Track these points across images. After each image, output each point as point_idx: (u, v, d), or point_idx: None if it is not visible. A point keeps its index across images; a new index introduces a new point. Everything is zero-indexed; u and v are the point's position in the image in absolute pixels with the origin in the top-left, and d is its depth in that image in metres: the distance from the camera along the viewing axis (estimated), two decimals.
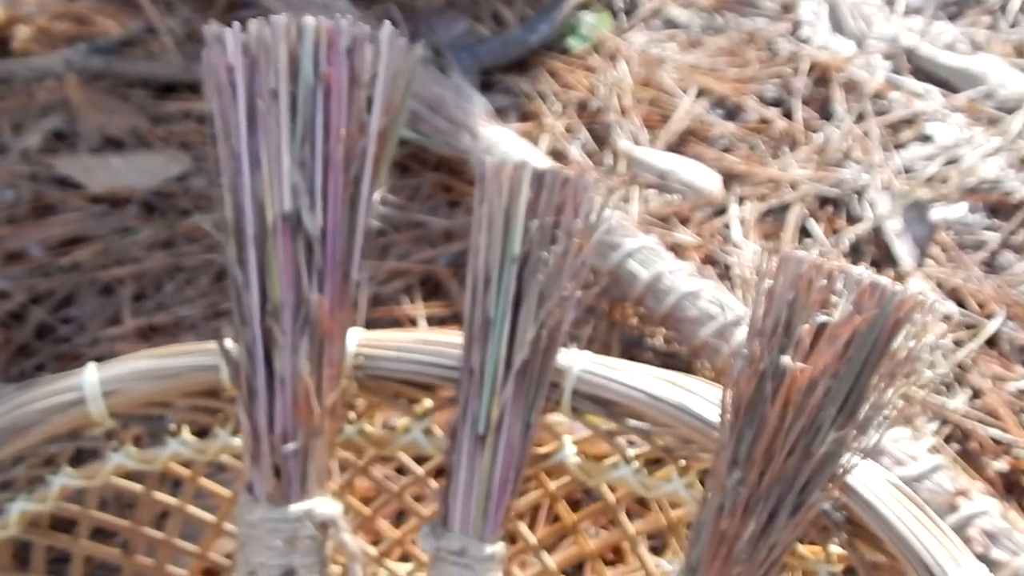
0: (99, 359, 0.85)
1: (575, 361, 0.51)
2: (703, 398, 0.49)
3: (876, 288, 0.41)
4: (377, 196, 0.51)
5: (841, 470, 0.43)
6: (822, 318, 0.41)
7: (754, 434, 0.43)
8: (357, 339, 0.53)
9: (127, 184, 1.01)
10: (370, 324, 0.87)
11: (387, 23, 0.49)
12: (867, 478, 0.45)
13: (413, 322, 0.87)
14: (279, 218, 0.48)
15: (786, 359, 0.41)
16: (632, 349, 0.83)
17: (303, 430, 0.49)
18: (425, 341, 0.53)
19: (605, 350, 0.83)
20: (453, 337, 0.53)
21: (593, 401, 0.51)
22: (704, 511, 0.44)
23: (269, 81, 0.48)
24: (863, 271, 0.42)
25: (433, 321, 0.88)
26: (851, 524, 0.46)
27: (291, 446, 0.49)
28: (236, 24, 0.48)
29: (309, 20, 0.48)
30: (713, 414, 0.49)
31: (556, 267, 0.48)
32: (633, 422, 0.51)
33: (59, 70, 1.12)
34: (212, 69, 0.49)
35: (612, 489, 0.56)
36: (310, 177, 0.48)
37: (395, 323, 0.88)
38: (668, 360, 0.83)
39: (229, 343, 0.51)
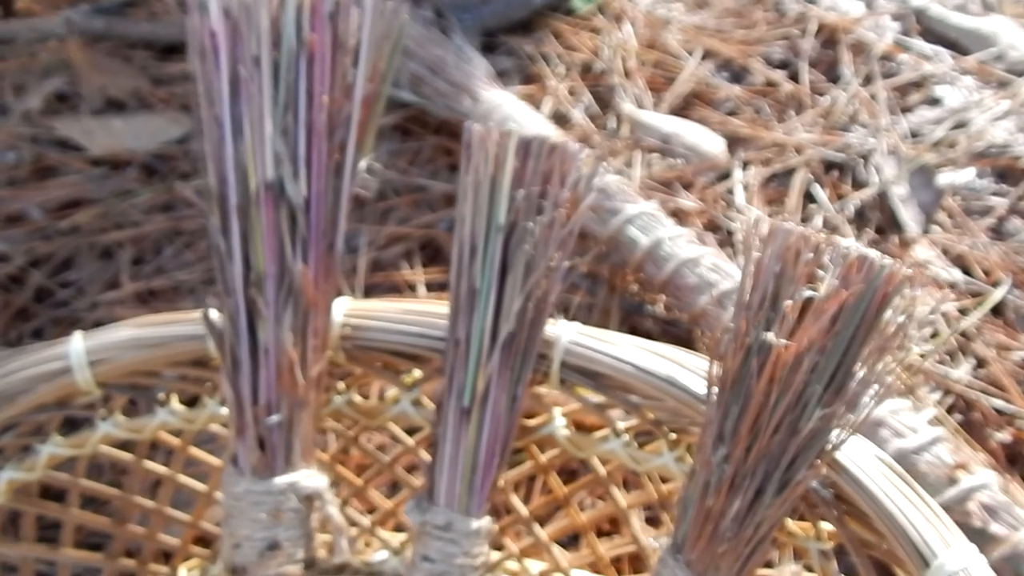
0: (97, 324, 0.85)
1: (563, 332, 0.50)
2: (692, 371, 0.49)
3: (864, 261, 0.40)
4: (364, 163, 0.50)
5: (829, 446, 0.42)
6: (808, 293, 0.40)
7: (740, 409, 0.42)
8: (344, 309, 0.52)
9: (127, 146, 1.00)
10: (369, 289, 0.87)
11: None
12: (856, 454, 0.44)
13: (412, 288, 0.87)
14: (262, 186, 0.47)
15: (770, 335, 0.40)
16: (632, 316, 0.83)
17: (287, 402, 0.48)
18: (412, 311, 0.52)
19: (605, 316, 0.82)
20: (440, 307, 0.52)
21: (581, 373, 0.50)
22: (690, 487, 0.44)
23: (251, 47, 0.47)
24: (851, 243, 0.41)
25: (433, 287, 0.87)
26: (840, 501, 0.45)
27: (275, 418, 0.48)
28: None
29: None
30: (703, 388, 0.48)
31: (543, 237, 0.47)
32: (622, 395, 0.50)
33: (61, 31, 1.12)
34: (195, 34, 0.48)
35: (603, 462, 0.56)
36: (293, 145, 0.48)
37: (394, 288, 0.87)
38: (668, 327, 0.82)
39: (214, 313, 0.50)
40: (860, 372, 0.41)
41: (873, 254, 0.40)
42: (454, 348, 0.48)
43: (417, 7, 1.06)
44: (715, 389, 0.43)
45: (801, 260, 0.41)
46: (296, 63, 0.47)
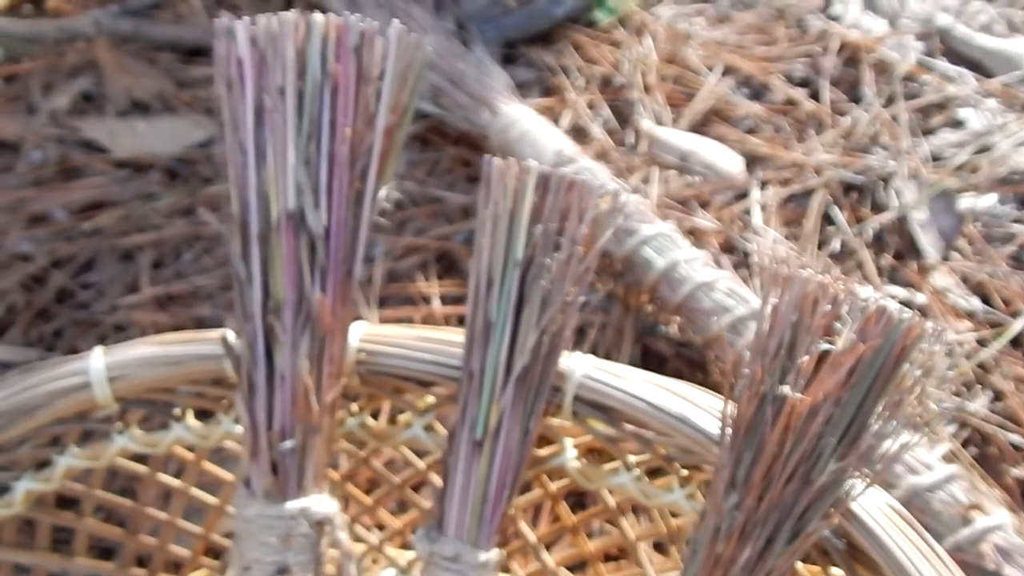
0: (116, 327, 0.86)
1: (577, 366, 0.50)
2: (705, 410, 0.49)
3: (882, 314, 0.40)
4: (383, 193, 0.50)
5: (843, 496, 0.42)
6: (824, 346, 0.40)
7: (753, 457, 0.42)
8: (360, 334, 0.53)
9: (151, 149, 1.01)
10: (384, 300, 0.88)
11: (396, 21, 0.48)
12: (869, 503, 0.44)
13: (427, 300, 0.87)
14: (283, 215, 0.48)
15: (786, 389, 0.40)
16: (646, 337, 0.83)
17: (301, 427, 0.49)
18: (428, 339, 0.53)
19: (619, 336, 0.82)
20: (456, 335, 0.52)
21: (594, 407, 0.51)
22: (700, 531, 0.44)
23: (276, 77, 0.47)
24: (870, 294, 0.41)
25: (447, 299, 0.87)
26: (851, 548, 0.45)
27: (289, 444, 0.48)
28: (247, 17, 0.48)
29: (318, 17, 0.47)
30: (715, 427, 0.48)
31: (559, 273, 0.47)
32: (633, 429, 0.51)
33: (89, 31, 1.12)
34: (222, 61, 0.48)
35: (613, 493, 0.56)
36: (315, 175, 0.48)
37: (409, 300, 0.87)
38: (683, 349, 0.82)
39: (232, 336, 0.51)
40: (875, 425, 0.41)
41: (892, 307, 0.41)
42: (468, 380, 0.49)
43: (439, 19, 1.06)
44: (728, 432, 0.44)
45: (819, 311, 0.41)
46: (320, 94, 0.47)
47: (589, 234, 0.48)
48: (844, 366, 0.40)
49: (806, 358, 0.40)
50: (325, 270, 0.49)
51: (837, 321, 0.41)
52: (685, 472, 0.52)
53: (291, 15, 0.47)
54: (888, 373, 0.41)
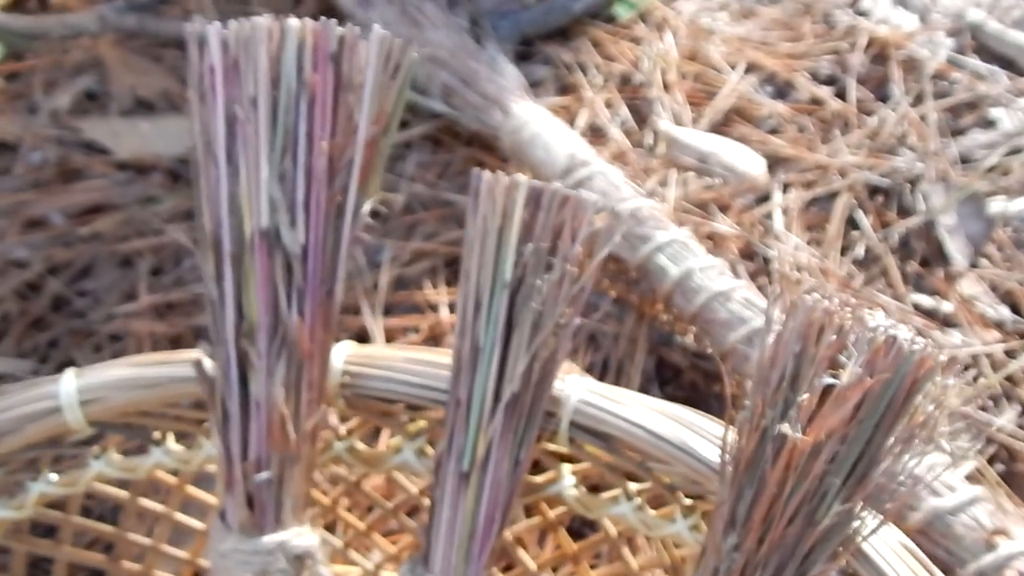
0: (113, 337, 0.84)
1: (573, 391, 0.47)
2: (708, 438, 0.46)
3: (892, 345, 0.37)
4: (367, 207, 0.47)
5: (852, 534, 0.39)
6: (828, 381, 0.37)
7: (753, 495, 0.39)
8: (345, 355, 0.50)
9: (153, 151, 0.98)
10: (389, 308, 0.85)
11: (376, 26, 0.45)
12: (880, 543, 0.41)
13: (435, 308, 0.84)
14: (256, 234, 0.45)
15: (786, 427, 0.37)
16: (661, 347, 0.80)
17: (278, 458, 0.46)
18: (417, 361, 0.50)
19: (632, 346, 0.79)
20: (446, 358, 0.49)
21: (591, 434, 0.48)
22: (700, 571, 0.41)
23: (248, 87, 0.44)
24: (880, 322, 0.38)
25: (455, 308, 0.84)
26: None
27: (264, 475, 0.46)
28: (217, 23, 0.45)
29: (292, 21, 0.44)
30: (717, 457, 0.45)
31: (551, 295, 0.44)
32: (634, 456, 0.48)
33: (94, 28, 1.10)
34: (194, 68, 0.46)
35: (614, 522, 0.53)
36: (291, 191, 0.45)
37: (415, 308, 0.84)
38: (698, 360, 0.79)
39: (206, 360, 0.48)
40: (884, 463, 0.38)
41: (903, 336, 0.37)
42: (455, 408, 0.46)
43: (452, 15, 1.03)
44: (729, 465, 0.41)
45: (824, 341, 0.37)
46: (296, 104, 0.45)
47: (584, 253, 0.45)
48: (849, 402, 0.37)
49: (806, 396, 0.36)
50: (303, 291, 0.46)
51: (843, 352, 0.38)
52: (688, 501, 0.49)
53: (264, 19, 0.44)
54: (898, 408, 0.38)
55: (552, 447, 0.50)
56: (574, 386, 0.48)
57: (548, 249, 0.44)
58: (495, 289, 0.45)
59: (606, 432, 0.47)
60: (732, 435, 0.40)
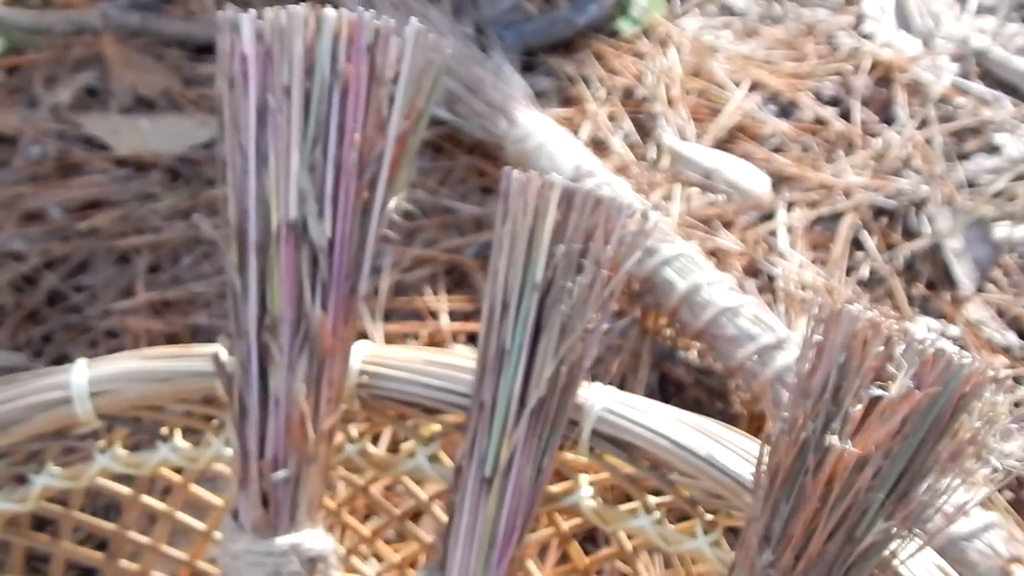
0: (109, 333, 0.82)
1: (596, 398, 0.47)
2: (735, 451, 0.45)
3: (940, 358, 0.36)
4: (393, 203, 0.46)
5: (889, 556, 0.38)
6: (876, 392, 0.36)
7: (791, 509, 0.38)
8: (363, 355, 0.49)
9: (153, 148, 0.97)
10: (389, 314, 0.84)
11: (413, 19, 0.44)
12: (917, 565, 0.40)
13: (435, 315, 0.83)
14: (284, 225, 0.44)
15: (834, 439, 0.36)
16: (664, 362, 0.79)
17: (295, 456, 0.45)
18: (435, 363, 0.49)
19: (635, 360, 0.78)
20: (465, 360, 0.48)
21: (613, 443, 0.47)
22: None
23: (282, 76, 0.43)
24: (927, 335, 0.37)
25: (456, 315, 0.83)
26: None
27: (281, 474, 0.45)
28: (252, 10, 0.44)
29: (329, 11, 0.43)
30: (745, 471, 0.44)
31: (581, 298, 0.43)
32: (655, 469, 0.47)
33: (97, 24, 1.09)
34: (224, 56, 0.45)
35: (630, 536, 0.52)
36: (320, 182, 0.44)
37: (415, 315, 0.83)
38: (702, 376, 0.78)
39: (224, 353, 0.47)
40: (928, 479, 0.37)
41: (951, 349, 0.37)
42: (478, 411, 0.45)
43: (457, 22, 1.02)
44: (763, 480, 0.40)
45: (870, 352, 0.37)
46: (329, 95, 0.44)
47: (614, 257, 0.44)
48: (898, 414, 0.36)
49: (859, 407, 0.36)
50: (327, 286, 0.45)
51: (889, 363, 0.37)
52: (710, 517, 0.48)
53: (301, 9, 0.43)
54: (944, 424, 0.37)
55: (571, 456, 0.49)
56: (598, 394, 0.47)
57: (580, 251, 0.43)
58: (525, 290, 0.44)
59: (628, 442, 0.47)
60: (766, 450, 0.40)
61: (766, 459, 0.40)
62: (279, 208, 0.44)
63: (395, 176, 0.46)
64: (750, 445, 0.46)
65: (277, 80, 0.44)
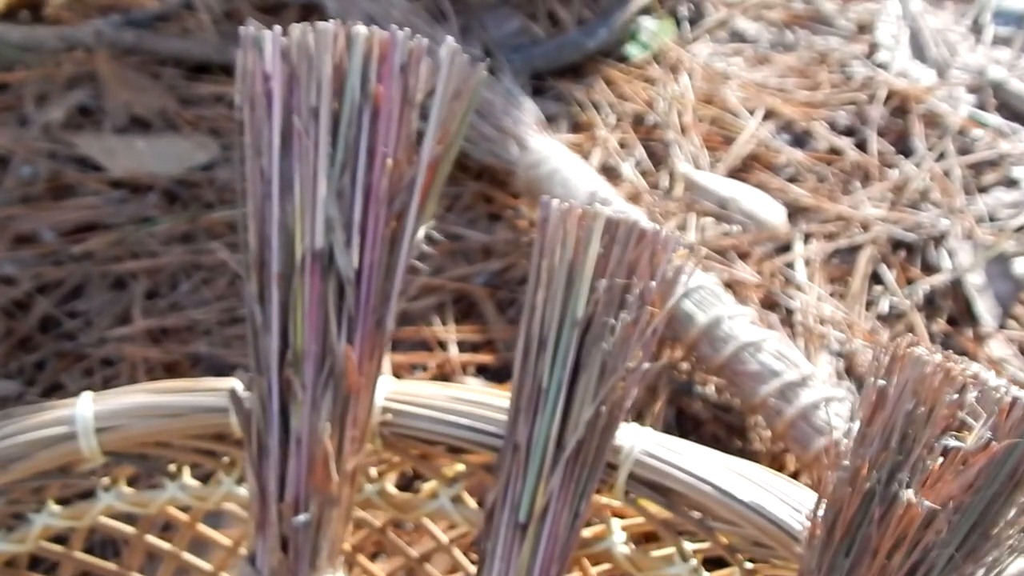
0: (104, 361, 0.79)
1: (635, 440, 0.44)
2: (782, 499, 0.43)
3: (1016, 406, 0.34)
4: (422, 234, 0.44)
5: None
6: (953, 442, 0.34)
7: (850, 564, 0.36)
8: (386, 391, 0.47)
9: (149, 170, 0.94)
10: (396, 344, 0.81)
11: (449, 38, 0.42)
12: None
13: (443, 345, 0.81)
14: (309, 254, 0.42)
15: (910, 493, 0.34)
16: (680, 396, 0.76)
17: (318, 499, 0.42)
18: (462, 400, 0.47)
19: (651, 395, 0.76)
20: (493, 398, 0.46)
21: (651, 487, 0.44)
22: None
23: (309, 97, 0.41)
24: (1002, 383, 0.35)
25: (465, 346, 0.81)
26: None
27: (302, 518, 0.42)
28: (277, 27, 0.42)
29: (360, 29, 0.41)
30: (792, 519, 0.42)
31: (624, 336, 0.41)
32: (694, 514, 0.44)
33: (90, 42, 1.06)
34: (246, 76, 0.42)
35: None
36: (348, 210, 0.42)
37: (423, 345, 0.81)
38: (720, 412, 0.76)
39: (241, 388, 0.44)
40: (1000, 535, 0.35)
41: None
42: (512, 454, 0.42)
43: (465, 44, 1.00)
44: (818, 532, 0.37)
45: (942, 400, 0.34)
46: (359, 117, 0.41)
47: (659, 293, 0.42)
48: (974, 467, 0.34)
49: (940, 460, 0.33)
50: (353, 319, 0.42)
51: (960, 411, 0.35)
52: (750, 565, 0.45)
53: (330, 26, 0.41)
54: (1020, 477, 0.35)
55: (603, 499, 0.46)
56: (635, 435, 0.45)
57: (623, 287, 0.41)
58: (564, 326, 0.41)
59: (667, 486, 0.44)
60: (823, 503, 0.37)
61: (821, 509, 0.38)
62: (304, 237, 0.42)
63: (426, 204, 0.44)
64: (795, 491, 0.43)
65: (304, 101, 0.41)
